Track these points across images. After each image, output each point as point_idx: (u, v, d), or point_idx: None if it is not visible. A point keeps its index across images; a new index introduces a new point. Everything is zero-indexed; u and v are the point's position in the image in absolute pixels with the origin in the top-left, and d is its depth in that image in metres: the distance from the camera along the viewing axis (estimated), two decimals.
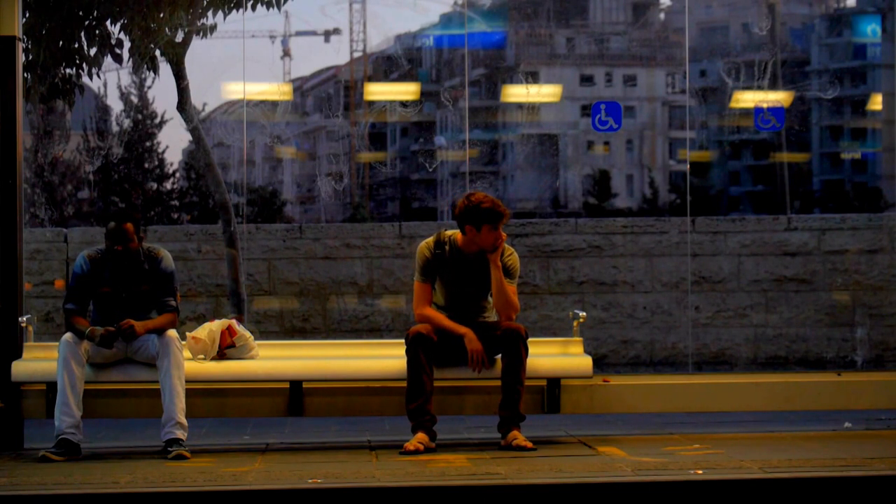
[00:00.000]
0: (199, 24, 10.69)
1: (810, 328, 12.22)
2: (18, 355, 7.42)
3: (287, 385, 7.45)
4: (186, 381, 7.04)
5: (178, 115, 11.42)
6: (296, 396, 7.44)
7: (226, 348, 7.40)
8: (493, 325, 7.24)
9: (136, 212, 7.36)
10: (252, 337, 7.54)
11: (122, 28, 10.41)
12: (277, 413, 7.58)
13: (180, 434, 6.94)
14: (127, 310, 7.13)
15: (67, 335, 7.00)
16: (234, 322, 7.49)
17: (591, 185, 32.40)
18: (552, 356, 7.56)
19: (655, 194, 33.34)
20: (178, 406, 6.95)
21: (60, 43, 10.34)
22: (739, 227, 12.42)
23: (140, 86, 25.73)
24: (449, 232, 7.32)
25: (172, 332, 7.06)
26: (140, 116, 26.58)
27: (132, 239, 7.12)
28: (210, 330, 7.38)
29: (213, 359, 7.36)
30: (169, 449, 6.89)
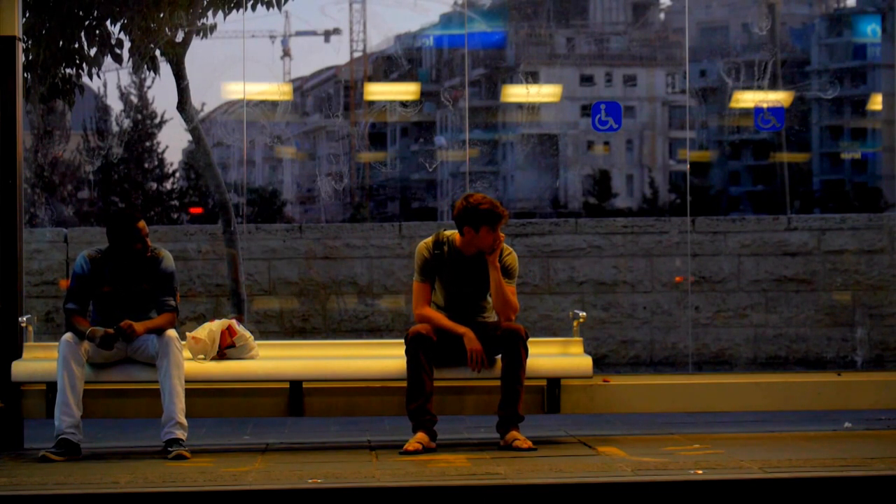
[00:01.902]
0: (199, 24, 10.69)
1: (810, 328, 12.22)
2: (18, 355, 7.42)
3: (287, 385, 7.45)
4: (186, 382, 7.04)
5: (178, 115, 11.44)
6: (296, 396, 7.44)
7: (226, 348, 7.40)
8: (493, 326, 7.24)
9: (136, 211, 7.38)
10: (252, 337, 7.54)
11: (122, 28, 10.42)
12: (277, 413, 7.58)
13: (180, 434, 6.94)
14: (127, 309, 7.13)
15: (67, 335, 7.00)
16: (234, 322, 7.49)
17: (591, 185, 32.41)
18: (552, 356, 7.56)
19: (655, 194, 33.34)
20: (177, 406, 6.95)
21: (60, 43, 10.35)
22: (739, 227, 12.42)
23: (140, 86, 25.72)
24: (448, 232, 7.32)
25: (172, 332, 7.06)
26: (140, 116, 26.57)
27: (147, 235, 7.16)
28: (210, 330, 7.38)
29: (213, 359, 7.37)
30: (169, 449, 6.89)
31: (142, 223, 7.13)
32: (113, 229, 7.15)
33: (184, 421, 6.96)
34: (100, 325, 7.08)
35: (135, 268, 7.17)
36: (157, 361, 7.00)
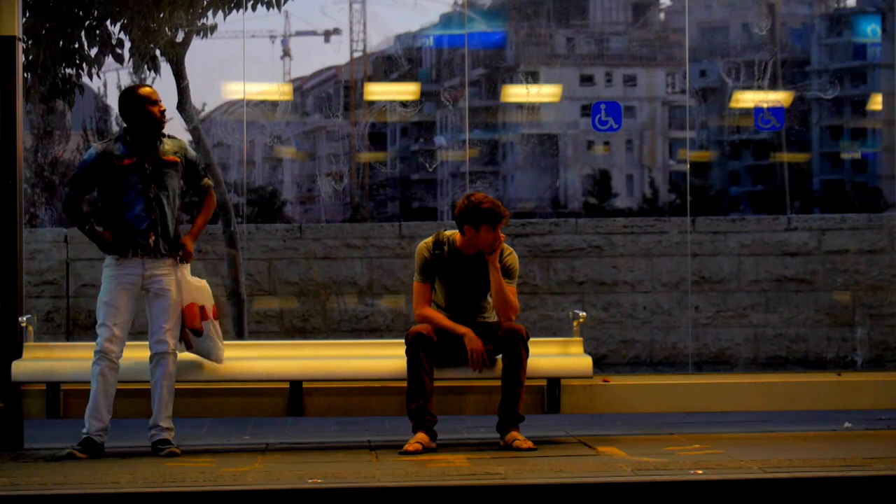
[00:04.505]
0: (199, 24, 10.69)
1: (810, 328, 12.21)
2: (18, 355, 7.43)
3: (287, 385, 7.46)
4: (186, 382, 7.14)
5: (178, 115, 11.42)
6: (296, 396, 7.45)
7: (191, 330, 7.09)
8: (493, 326, 7.24)
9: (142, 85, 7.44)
10: (222, 342, 7.24)
11: (122, 28, 10.42)
12: (277, 413, 7.59)
13: (168, 435, 7.06)
14: (152, 183, 7.03)
15: (101, 345, 6.93)
16: (213, 309, 7.24)
17: (591, 185, 32.38)
18: (552, 356, 7.56)
19: (655, 194, 33.30)
20: (164, 414, 7.06)
21: (60, 43, 10.35)
22: (739, 227, 12.42)
23: None
24: (448, 232, 7.32)
25: (171, 346, 7.01)
26: None
27: (159, 101, 7.08)
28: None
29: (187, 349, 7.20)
30: (160, 447, 6.99)
31: (145, 89, 7.08)
32: (123, 105, 7.10)
33: (170, 425, 7.07)
34: (125, 208, 6.98)
35: (157, 142, 7.07)
36: (149, 368, 7.01)
